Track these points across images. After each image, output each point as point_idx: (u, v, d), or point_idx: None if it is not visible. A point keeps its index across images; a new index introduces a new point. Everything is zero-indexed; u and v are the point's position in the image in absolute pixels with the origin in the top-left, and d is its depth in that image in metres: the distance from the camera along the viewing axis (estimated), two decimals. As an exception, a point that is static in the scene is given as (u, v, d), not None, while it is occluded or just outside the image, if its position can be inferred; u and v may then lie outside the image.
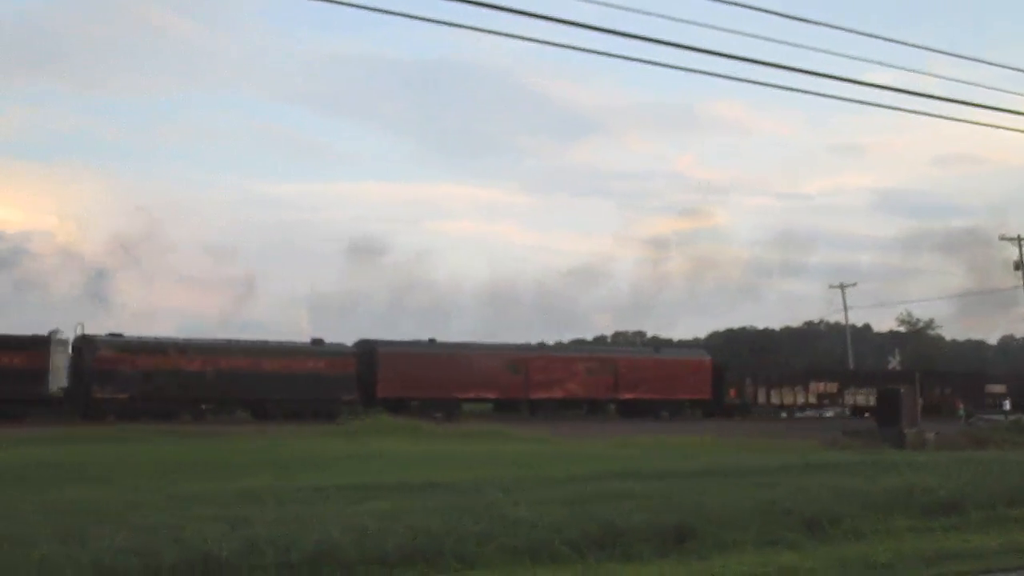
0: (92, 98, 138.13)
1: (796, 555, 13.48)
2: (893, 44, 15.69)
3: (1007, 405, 64.93)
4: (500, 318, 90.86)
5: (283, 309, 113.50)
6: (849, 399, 65.43)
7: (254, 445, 31.72)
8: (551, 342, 70.94)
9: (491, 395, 56.04)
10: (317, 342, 52.63)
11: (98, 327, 50.49)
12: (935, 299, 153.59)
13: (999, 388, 70.33)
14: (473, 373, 54.50)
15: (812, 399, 64.26)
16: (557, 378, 56.79)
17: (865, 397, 64.13)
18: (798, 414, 64.67)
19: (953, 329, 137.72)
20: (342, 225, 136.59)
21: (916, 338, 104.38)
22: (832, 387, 65.33)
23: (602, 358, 60.23)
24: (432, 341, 56.10)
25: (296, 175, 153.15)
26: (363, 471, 23.66)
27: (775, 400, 62.11)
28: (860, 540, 14.61)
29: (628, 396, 58.40)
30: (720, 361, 64.07)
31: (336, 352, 52.20)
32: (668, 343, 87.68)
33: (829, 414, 65.89)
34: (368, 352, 52.96)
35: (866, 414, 60.33)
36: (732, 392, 60.73)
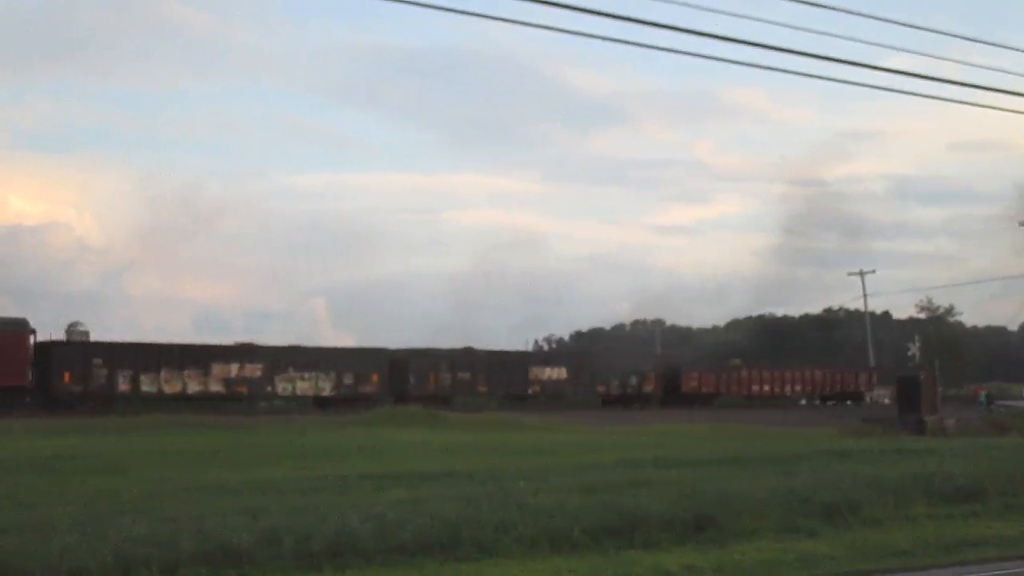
0: (107, 89, 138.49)
1: (815, 542, 13.49)
2: (910, 29, 15.58)
3: None
4: (507, 308, 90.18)
5: (300, 302, 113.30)
6: (281, 385, 50.91)
7: (273, 436, 31.86)
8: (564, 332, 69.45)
9: None
10: None
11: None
12: (955, 285, 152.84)
13: (555, 372, 59.54)
14: None
15: (217, 386, 49.15)
16: None
17: (333, 383, 51.62)
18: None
19: (973, 315, 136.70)
20: (355, 216, 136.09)
21: (936, 324, 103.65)
22: (255, 370, 50.02)
23: None
24: None
25: (310, 165, 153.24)
26: (381, 461, 23.76)
27: (149, 388, 47.62)
28: (879, 527, 14.58)
29: None
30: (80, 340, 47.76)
31: None
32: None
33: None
34: None
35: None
36: (66, 377, 46.55)
